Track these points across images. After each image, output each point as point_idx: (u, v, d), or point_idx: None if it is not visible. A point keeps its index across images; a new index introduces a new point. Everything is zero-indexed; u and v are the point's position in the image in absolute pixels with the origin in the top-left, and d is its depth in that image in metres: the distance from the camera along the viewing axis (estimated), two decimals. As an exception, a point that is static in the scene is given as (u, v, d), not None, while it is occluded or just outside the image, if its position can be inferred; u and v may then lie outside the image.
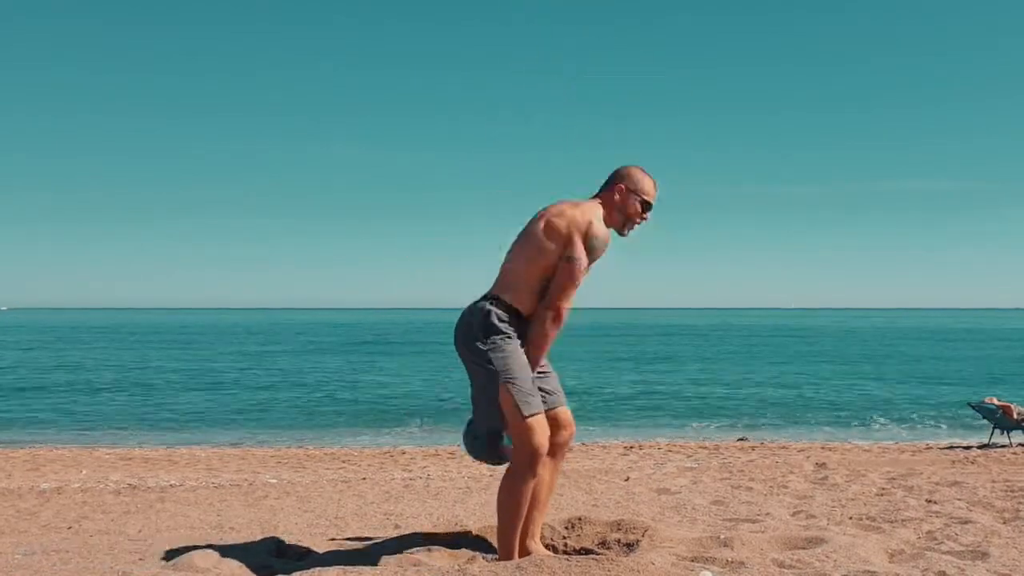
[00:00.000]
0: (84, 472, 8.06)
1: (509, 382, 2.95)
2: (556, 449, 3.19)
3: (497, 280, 3.12)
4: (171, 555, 3.41)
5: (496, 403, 2.97)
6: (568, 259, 3.01)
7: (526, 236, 3.10)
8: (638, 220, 3.22)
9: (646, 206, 3.20)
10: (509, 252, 3.15)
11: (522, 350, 3.03)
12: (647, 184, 3.20)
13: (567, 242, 3.01)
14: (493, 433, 3.09)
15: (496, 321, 3.00)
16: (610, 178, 3.22)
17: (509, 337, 3.01)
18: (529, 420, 2.95)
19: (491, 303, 3.04)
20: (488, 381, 2.99)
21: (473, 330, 3.02)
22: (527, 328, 3.07)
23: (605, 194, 3.20)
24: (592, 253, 3.06)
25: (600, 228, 3.08)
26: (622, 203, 3.17)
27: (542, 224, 3.06)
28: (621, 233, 3.22)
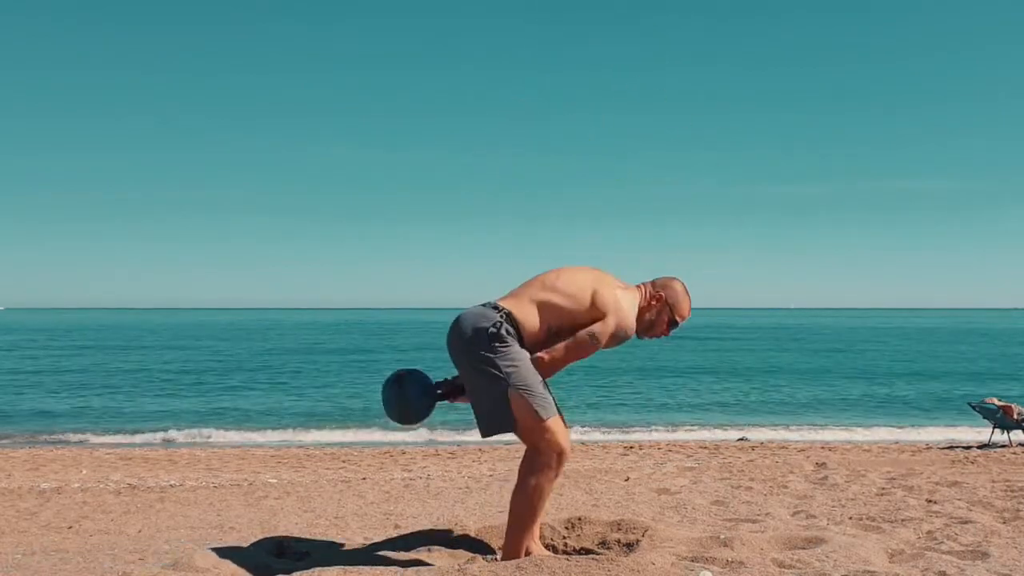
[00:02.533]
0: (84, 472, 8.06)
1: (523, 389, 2.95)
2: None
3: (516, 298, 3.11)
4: (171, 555, 3.42)
5: (499, 406, 2.96)
6: (592, 336, 3.04)
7: (568, 284, 3.10)
8: (660, 335, 3.24)
9: (673, 325, 3.23)
10: (541, 284, 3.13)
11: (529, 358, 3.03)
12: (685, 307, 3.24)
13: (602, 318, 3.05)
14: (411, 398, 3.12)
15: (505, 333, 2.99)
16: (657, 281, 3.25)
17: (516, 346, 3.00)
18: (548, 422, 2.96)
19: (503, 316, 3.02)
20: (490, 385, 2.97)
21: (479, 336, 2.99)
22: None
23: (648, 294, 3.21)
24: (610, 342, 3.08)
25: (630, 326, 3.13)
26: (655, 313, 3.21)
27: (590, 288, 3.09)
28: (640, 335, 3.24)
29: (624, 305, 3.11)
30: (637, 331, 3.21)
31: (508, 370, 2.96)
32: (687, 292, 3.27)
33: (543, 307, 3.08)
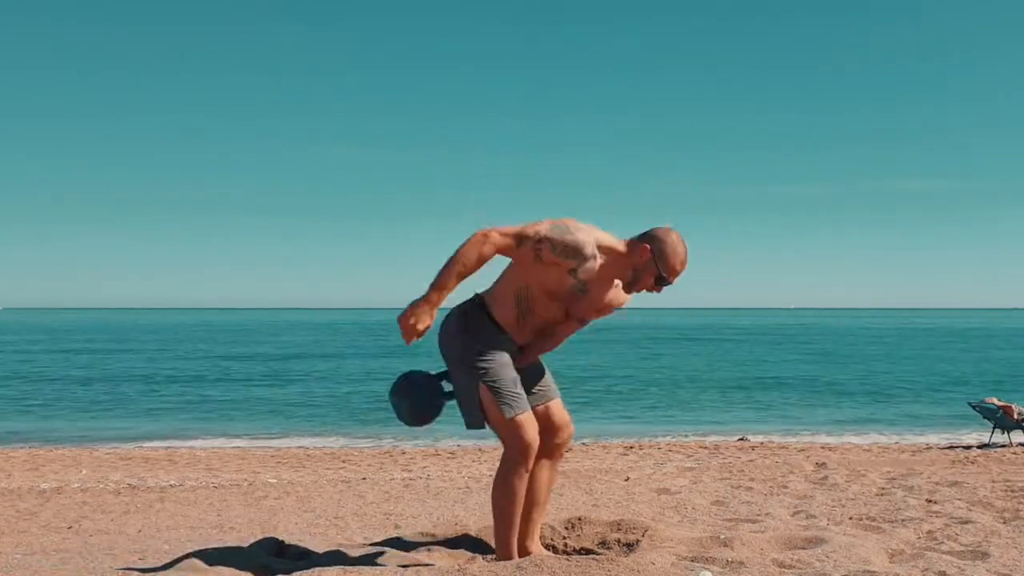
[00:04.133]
0: (84, 472, 8.06)
1: (491, 383, 2.92)
2: (554, 450, 3.16)
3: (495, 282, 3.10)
4: (171, 555, 3.42)
5: (476, 402, 2.96)
6: (534, 234, 2.82)
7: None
8: (648, 290, 2.96)
9: (662, 281, 2.92)
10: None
11: (503, 351, 2.98)
12: (674, 260, 2.89)
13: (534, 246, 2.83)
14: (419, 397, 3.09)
15: (475, 323, 2.98)
16: (645, 233, 2.94)
17: (488, 338, 2.96)
18: (515, 419, 2.93)
19: (472, 306, 3.02)
20: (467, 381, 2.97)
21: (452, 331, 3.00)
22: (505, 338, 3.00)
23: (632, 242, 2.93)
24: (556, 246, 2.80)
25: (573, 229, 2.84)
26: (641, 266, 2.90)
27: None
28: (627, 290, 3.02)
29: (570, 221, 2.85)
30: (622, 280, 2.97)
31: (478, 364, 2.93)
32: (683, 245, 2.92)
33: (504, 274, 3.01)
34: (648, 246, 2.89)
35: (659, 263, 2.89)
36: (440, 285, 2.84)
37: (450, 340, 3.01)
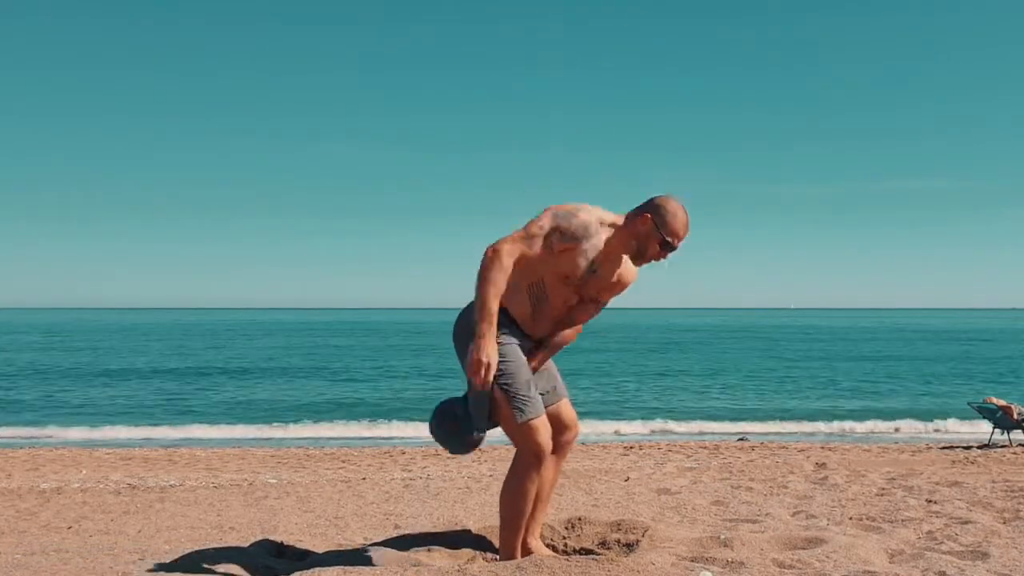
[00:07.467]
0: (84, 472, 8.06)
1: (505, 386, 2.89)
2: (560, 447, 3.17)
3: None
4: (171, 555, 3.42)
5: (485, 407, 2.92)
6: (525, 230, 2.87)
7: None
8: (655, 259, 2.97)
9: (666, 246, 2.92)
10: None
11: (519, 350, 2.96)
12: (676, 224, 2.90)
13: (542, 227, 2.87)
14: (458, 420, 2.98)
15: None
16: (643, 203, 2.96)
17: (505, 336, 2.92)
18: (529, 423, 2.91)
19: None
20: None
21: (469, 329, 2.93)
22: (519, 332, 2.99)
23: (631, 215, 2.95)
24: (564, 233, 2.84)
25: (575, 212, 2.89)
26: (644, 235, 2.91)
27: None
28: (635, 262, 3.01)
29: (570, 206, 2.91)
30: (629, 255, 2.98)
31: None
32: (681, 207, 2.93)
33: (515, 268, 2.91)
34: (649, 215, 2.91)
35: (662, 230, 2.90)
36: (485, 313, 2.82)
37: (464, 340, 2.95)
